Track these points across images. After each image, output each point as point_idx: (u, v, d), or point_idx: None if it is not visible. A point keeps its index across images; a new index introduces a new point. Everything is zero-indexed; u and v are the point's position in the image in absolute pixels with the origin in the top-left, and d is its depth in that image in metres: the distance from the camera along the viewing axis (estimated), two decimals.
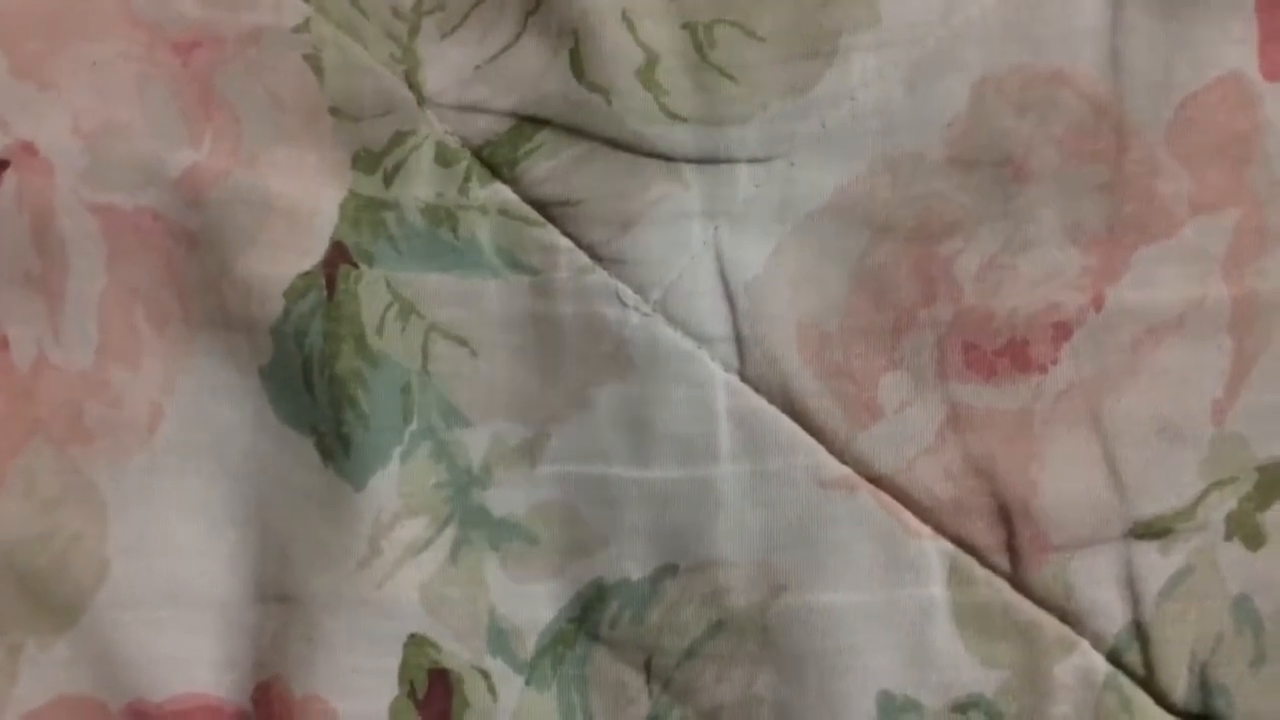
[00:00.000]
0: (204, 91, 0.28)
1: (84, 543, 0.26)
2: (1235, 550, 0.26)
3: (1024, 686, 0.26)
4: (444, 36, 0.28)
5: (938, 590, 0.26)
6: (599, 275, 0.27)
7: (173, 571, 0.27)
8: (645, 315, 0.27)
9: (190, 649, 0.27)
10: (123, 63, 0.27)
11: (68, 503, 0.27)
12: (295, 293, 0.27)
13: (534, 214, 0.28)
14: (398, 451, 0.27)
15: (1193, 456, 0.26)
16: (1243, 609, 0.26)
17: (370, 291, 0.27)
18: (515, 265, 0.28)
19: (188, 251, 0.27)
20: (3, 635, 0.26)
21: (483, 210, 0.28)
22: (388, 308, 0.27)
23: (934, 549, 0.27)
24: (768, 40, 0.27)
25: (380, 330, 0.27)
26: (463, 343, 0.27)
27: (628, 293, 0.27)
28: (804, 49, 0.27)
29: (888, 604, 0.26)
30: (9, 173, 0.27)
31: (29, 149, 0.27)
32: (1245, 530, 0.26)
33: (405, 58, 0.28)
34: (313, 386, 0.27)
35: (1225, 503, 0.26)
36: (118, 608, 0.26)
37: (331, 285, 0.27)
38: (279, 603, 0.27)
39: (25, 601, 0.26)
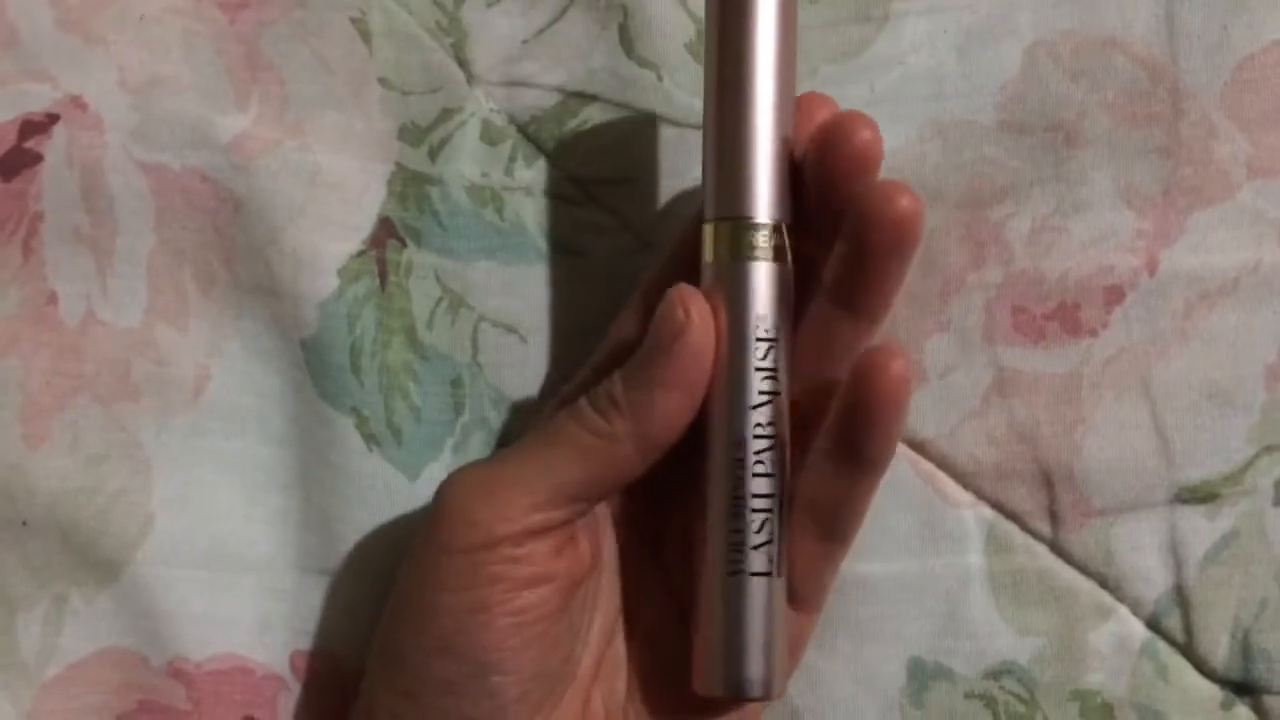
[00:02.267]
0: (250, 51, 0.26)
1: (127, 498, 0.25)
2: None
3: (1058, 654, 0.25)
4: (490, 5, 0.26)
5: (974, 558, 0.26)
6: (646, 259, 0.26)
7: (214, 532, 0.26)
8: None
9: (228, 610, 0.26)
10: (170, 18, 0.26)
11: (112, 459, 0.25)
12: (350, 274, 0.26)
13: (580, 194, 0.27)
14: (450, 443, 0.26)
15: (1243, 422, 0.25)
16: None
17: (421, 287, 0.26)
18: (562, 247, 0.26)
19: (234, 215, 0.26)
20: (47, 586, 0.25)
21: (528, 191, 0.26)
22: (438, 302, 0.26)
23: (972, 517, 0.26)
24: (820, 3, 0.26)
25: (431, 324, 0.26)
26: (512, 330, 0.26)
27: None
28: (855, 12, 0.26)
29: (923, 573, 0.26)
30: (58, 127, 0.26)
31: (78, 103, 0.26)
32: None
33: (451, 27, 0.27)
34: (360, 370, 0.26)
35: (1275, 468, 0.25)
36: (160, 564, 0.25)
37: (383, 272, 0.26)
38: (319, 575, 0.26)
39: (69, 554, 0.25)
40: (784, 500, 0.22)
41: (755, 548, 0.22)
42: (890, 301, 0.22)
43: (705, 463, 0.22)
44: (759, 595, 0.22)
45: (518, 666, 0.21)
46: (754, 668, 0.22)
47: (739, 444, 0.22)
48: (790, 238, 0.22)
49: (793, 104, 0.23)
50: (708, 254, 0.22)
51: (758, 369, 0.22)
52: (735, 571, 0.22)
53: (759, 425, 0.22)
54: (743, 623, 0.22)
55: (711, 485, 0.22)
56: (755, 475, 0.22)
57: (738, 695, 0.22)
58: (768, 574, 0.22)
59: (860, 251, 0.21)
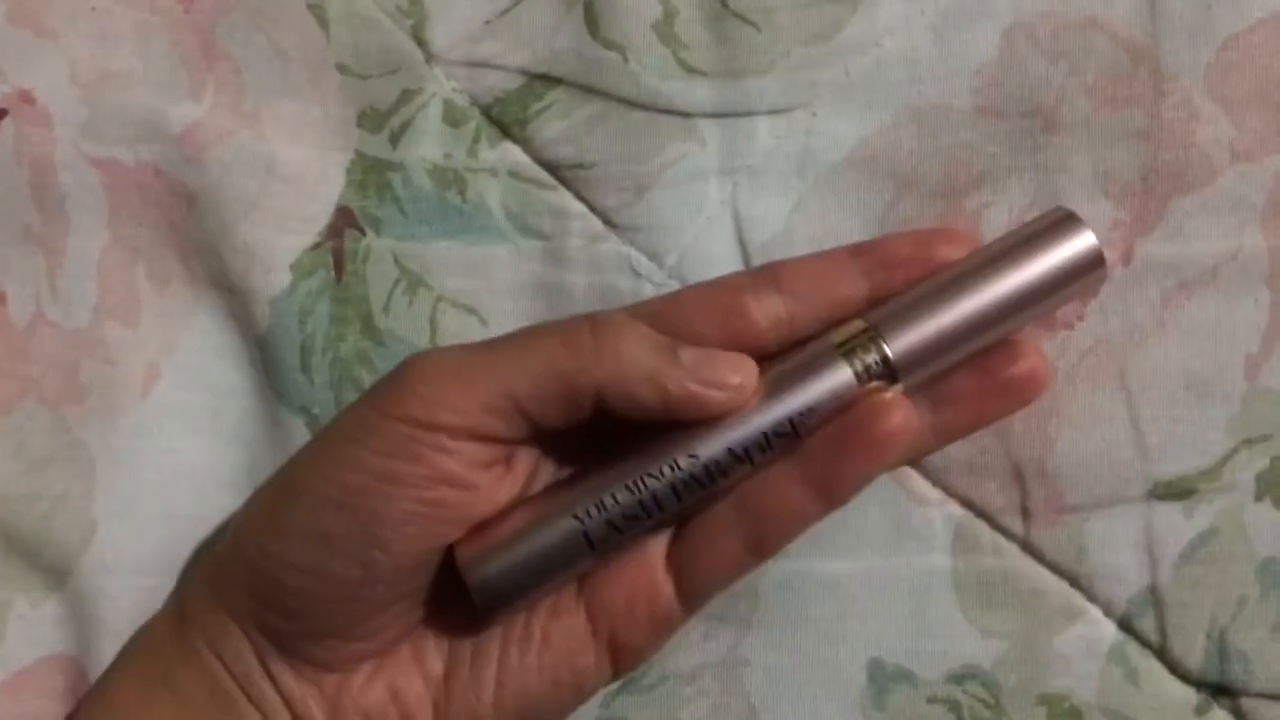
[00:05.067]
0: (205, 41, 0.26)
1: (70, 503, 0.25)
2: (1265, 511, 0.24)
3: (1023, 658, 0.24)
4: None
5: (940, 558, 0.25)
6: (612, 244, 0.25)
7: (159, 535, 0.25)
8: (659, 285, 0.25)
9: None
10: (122, 9, 0.25)
11: (56, 463, 0.25)
12: (303, 269, 0.25)
13: (546, 176, 0.26)
14: None
15: (1222, 413, 0.24)
16: (1270, 572, 0.24)
17: (378, 270, 0.25)
18: (526, 230, 0.26)
19: (188, 209, 0.25)
20: None
21: (492, 172, 0.26)
22: (395, 283, 0.26)
23: (940, 515, 0.25)
24: None
25: (388, 308, 0.26)
26: (472, 311, 0.26)
27: (641, 261, 0.26)
28: None
29: (888, 572, 0.25)
30: (6, 122, 0.25)
31: (26, 97, 0.25)
32: (1278, 490, 0.24)
33: (412, 10, 0.26)
34: (310, 368, 0.25)
35: (1256, 461, 0.24)
36: (102, 574, 0.25)
37: (339, 263, 0.26)
38: None
39: (14, 561, 0.25)
40: (661, 525, 0.22)
41: (609, 522, 0.21)
42: (846, 497, 0.22)
43: (653, 437, 0.22)
44: (568, 543, 0.21)
45: (399, 554, 0.21)
46: (506, 574, 0.21)
47: (693, 459, 0.21)
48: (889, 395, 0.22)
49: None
50: (836, 335, 0.22)
51: (766, 435, 0.21)
52: (578, 516, 0.21)
53: (718, 464, 0.21)
54: (537, 547, 0.21)
55: (638, 455, 0.22)
56: (671, 486, 0.21)
57: (466, 577, 0.21)
58: (590, 546, 0.21)
59: (839, 447, 0.21)
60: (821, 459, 0.21)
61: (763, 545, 0.22)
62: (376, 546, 0.21)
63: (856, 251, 0.23)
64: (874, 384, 0.22)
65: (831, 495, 0.22)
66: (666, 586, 0.22)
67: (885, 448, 0.21)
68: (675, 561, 0.22)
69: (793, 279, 0.23)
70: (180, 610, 0.23)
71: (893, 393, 0.22)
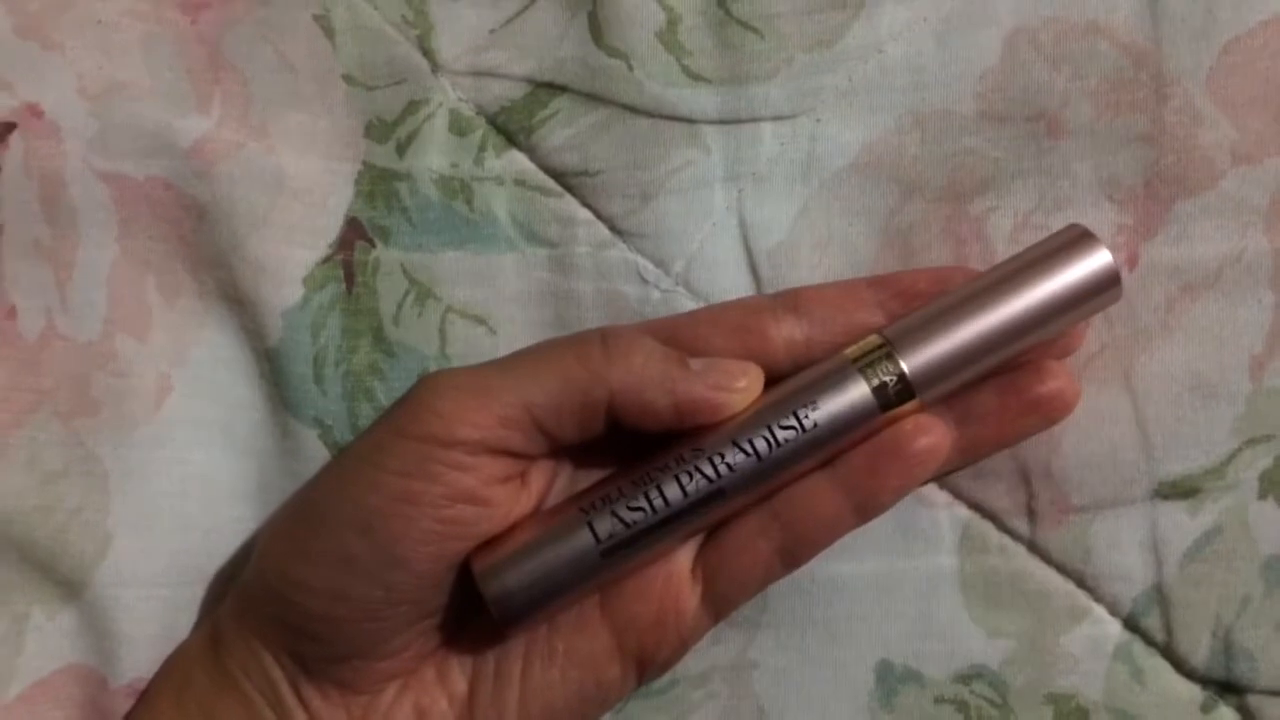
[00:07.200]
0: (212, 53, 0.26)
1: (85, 516, 0.25)
2: (1269, 509, 0.24)
3: (1029, 657, 0.25)
4: None
5: (947, 559, 0.25)
6: (619, 250, 0.25)
7: (173, 548, 0.25)
8: (666, 291, 0.25)
9: (188, 628, 0.25)
10: (129, 21, 0.25)
11: (70, 476, 0.25)
12: (315, 283, 0.25)
13: (552, 184, 0.26)
14: None
15: (1227, 413, 0.24)
16: (1274, 570, 0.24)
17: (387, 282, 0.25)
18: (533, 237, 0.26)
19: (198, 223, 0.25)
20: (7, 606, 0.24)
21: (498, 181, 0.26)
22: (405, 295, 0.26)
23: (947, 517, 0.25)
24: None
25: (397, 320, 0.26)
26: (481, 321, 0.26)
27: (648, 268, 0.26)
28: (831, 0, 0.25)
29: (895, 574, 0.25)
30: (16, 136, 0.25)
31: (35, 111, 0.25)
32: None
33: (417, 20, 0.26)
34: (323, 379, 0.25)
35: (1260, 460, 0.24)
36: (118, 586, 0.25)
37: (349, 275, 0.26)
38: None
39: (28, 572, 0.24)
40: (668, 522, 0.22)
41: (614, 513, 0.21)
42: (880, 509, 0.22)
43: (665, 444, 0.22)
44: (576, 540, 0.21)
45: (420, 573, 0.21)
46: (519, 578, 0.21)
47: (697, 452, 0.21)
48: (903, 412, 0.22)
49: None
50: (852, 349, 0.22)
51: (770, 427, 0.21)
52: (584, 509, 0.22)
53: (722, 456, 0.21)
54: (547, 548, 0.21)
55: (651, 457, 0.22)
56: (676, 478, 0.21)
57: (483, 589, 0.21)
58: (595, 540, 0.21)
59: (876, 462, 0.22)
60: (858, 472, 0.22)
61: (794, 552, 0.22)
62: (398, 567, 0.21)
63: (875, 283, 0.23)
64: (893, 395, 0.22)
65: (865, 507, 0.22)
66: (693, 597, 0.22)
67: (920, 464, 0.22)
68: (702, 569, 0.22)
69: (811, 304, 0.23)
70: (214, 635, 0.23)
71: (913, 404, 0.22)
